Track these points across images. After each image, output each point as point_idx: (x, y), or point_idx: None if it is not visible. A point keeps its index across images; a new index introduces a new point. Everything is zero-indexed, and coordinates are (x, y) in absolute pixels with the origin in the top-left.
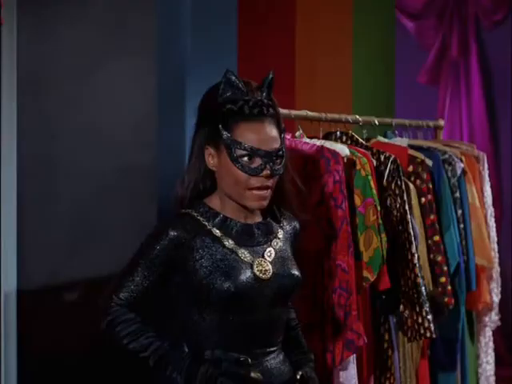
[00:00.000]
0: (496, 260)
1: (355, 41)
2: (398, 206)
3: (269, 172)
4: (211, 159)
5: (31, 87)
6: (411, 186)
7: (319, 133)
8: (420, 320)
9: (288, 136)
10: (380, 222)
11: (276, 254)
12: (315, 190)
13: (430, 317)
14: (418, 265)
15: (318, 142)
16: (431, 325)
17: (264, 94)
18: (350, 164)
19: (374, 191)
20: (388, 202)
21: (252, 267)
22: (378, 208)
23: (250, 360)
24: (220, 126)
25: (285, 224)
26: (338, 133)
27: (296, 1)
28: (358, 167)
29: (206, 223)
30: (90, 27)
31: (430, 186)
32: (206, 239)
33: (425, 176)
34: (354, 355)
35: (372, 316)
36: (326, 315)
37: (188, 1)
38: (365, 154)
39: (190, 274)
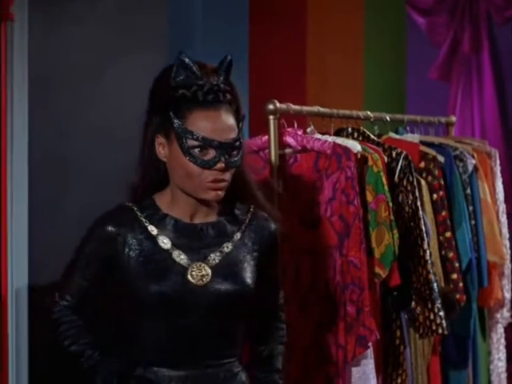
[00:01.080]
0: (508, 256)
1: (366, 37)
2: (409, 202)
3: (223, 165)
4: (162, 149)
5: (42, 84)
6: (423, 182)
7: (330, 129)
8: (432, 316)
9: (299, 132)
10: (392, 218)
11: (223, 258)
12: (327, 186)
13: (441, 313)
14: (429, 261)
15: (330, 139)
16: (443, 321)
17: (221, 78)
18: (362, 160)
19: (386, 187)
20: (400, 198)
21: (186, 271)
22: (390, 204)
23: None
24: (171, 113)
25: (250, 227)
26: (350, 129)
27: None
28: (370, 163)
29: (144, 219)
30: (101, 25)
31: (442, 183)
32: (139, 236)
33: (436, 172)
34: (371, 350)
35: (383, 312)
36: (338, 311)
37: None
38: (376, 150)
39: (121, 272)
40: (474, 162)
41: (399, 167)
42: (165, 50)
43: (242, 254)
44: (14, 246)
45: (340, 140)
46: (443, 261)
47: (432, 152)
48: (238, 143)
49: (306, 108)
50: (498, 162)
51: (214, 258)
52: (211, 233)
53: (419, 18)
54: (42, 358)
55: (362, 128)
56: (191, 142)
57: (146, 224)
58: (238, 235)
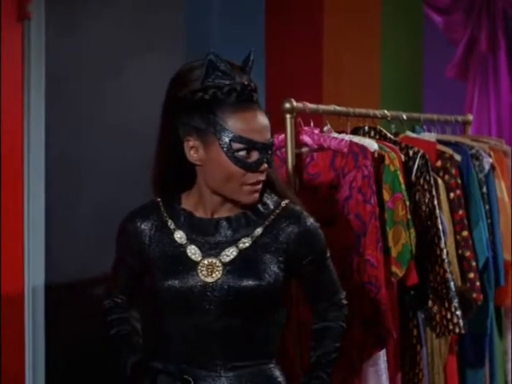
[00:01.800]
0: None
1: (383, 36)
2: (426, 201)
3: (266, 166)
4: (194, 153)
5: (59, 83)
6: (440, 181)
7: (347, 128)
8: (449, 316)
9: (316, 131)
10: (409, 217)
11: (239, 254)
12: (343, 185)
13: (458, 312)
14: (446, 260)
15: (347, 137)
16: (460, 320)
17: (247, 77)
18: (379, 159)
19: (403, 186)
20: (417, 197)
21: (196, 266)
22: (407, 203)
23: (192, 383)
24: (211, 115)
25: (276, 222)
26: (366, 128)
27: None
28: (387, 162)
29: (165, 214)
30: (118, 23)
31: (459, 182)
32: (160, 231)
33: (453, 171)
34: (384, 350)
35: (400, 312)
36: (355, 310)
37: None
38: (393, 149)
39: (146, 266)
40: (490, 160)
41: (416, 166)
42: (182, 48)
43: (261, 250)
44: (31, 244)
45: (357, 139)
46: (460, 260)
47: (449, 151)
48: (272, 142)
49: (322, 107)
50: None
51: (229, 253)
52: (228, 228)
53: (436, 16)
54: (58, 356)
55: (378, 127)
56: (236, 145)
57: (167, 219)
58: (259, 231)
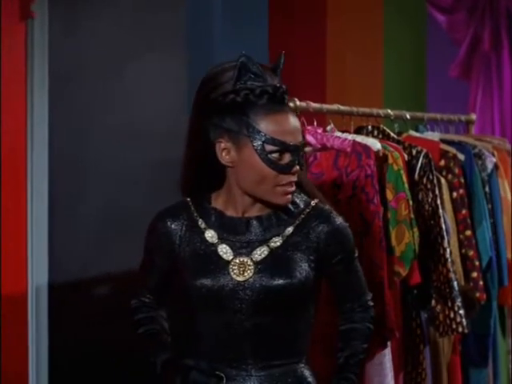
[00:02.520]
0: None
1: (386, 35)
2: (429, 200)
3: (298, 167)
4: (226, 154)
5: (63, 82)
6: (443, 180)
7: (350, 127)
8: (452, 315)
9: (319, 130)
10: (412, 216)
11: (270, 253)
12: (347, 184)
13: (462, 312)
14: (449, 260)
15: (350, 137)
16: (463, 320)
17: (279, 79)
18: (382, 158)
19: (406, 185)
20: (420, 196)
21: (228, 265)
22: (410, 202)
23: (224, 379)
24: (244, 117)
25: (307, 221)
26: (370, 127)
27: None
28: (390, 161)
29: (196, 213)
30: (121, 22)
31: (462, 181)
32: (191, 230)
33: (456, 170)
34: (389, 349)
35: (403, 311)
36: None
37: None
38: (396, 149)
39: (177, 265)
40: (494, 159)
41: (419, 165)
42: (184, 48)
43: (292, 249)
44: (34, 244)
45: (360, 138)
46: (463, 259)
47: (452, 150)
48: (303, 143)
49: (325, 106)
50: None
51: (260, 252)
52: (259, 227)
53: (439, 15)
54: (61, 355)
55: (382, 126)
56: (269, 147)
57: (197, 218)
58: (289, 230)
